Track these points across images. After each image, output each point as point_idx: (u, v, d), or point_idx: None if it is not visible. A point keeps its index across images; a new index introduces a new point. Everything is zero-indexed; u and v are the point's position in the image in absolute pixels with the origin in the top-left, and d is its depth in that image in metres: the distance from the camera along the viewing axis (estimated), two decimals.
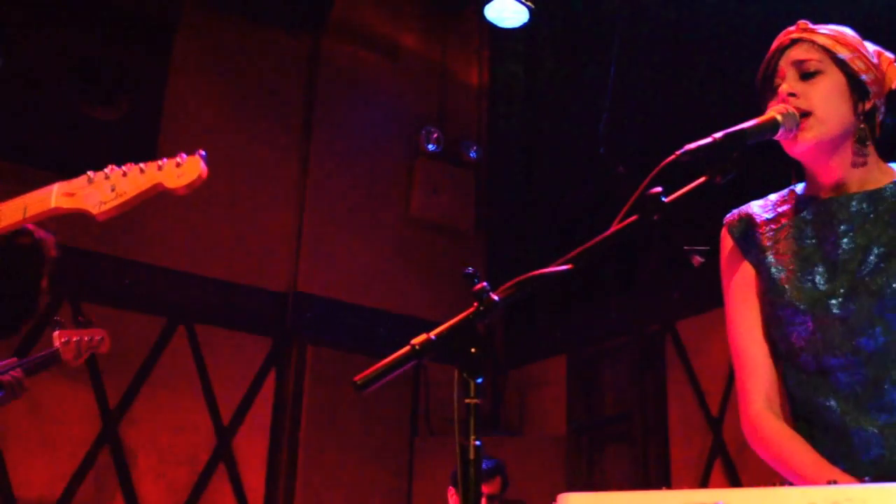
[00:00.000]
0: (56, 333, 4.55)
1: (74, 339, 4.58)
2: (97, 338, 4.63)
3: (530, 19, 6.88)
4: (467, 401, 1.71)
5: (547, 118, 7.63)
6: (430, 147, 7.61)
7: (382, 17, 7.68)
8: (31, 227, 3.42)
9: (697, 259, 6.80)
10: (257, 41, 7.18)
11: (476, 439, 1.68)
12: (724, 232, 2.38)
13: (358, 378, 1.71)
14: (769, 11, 5.15)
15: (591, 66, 6.98)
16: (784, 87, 2.20)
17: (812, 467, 2.07)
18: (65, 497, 5.98)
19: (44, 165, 5.48)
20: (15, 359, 4.50)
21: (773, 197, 2.37)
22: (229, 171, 6.46)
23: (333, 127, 7.39)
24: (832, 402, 2.14)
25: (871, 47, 2.27)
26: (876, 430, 2.08)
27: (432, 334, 1.73)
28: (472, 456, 1.67)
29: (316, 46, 7.45)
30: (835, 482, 1.98)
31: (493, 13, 6.86)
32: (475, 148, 7.82)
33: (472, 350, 1.72)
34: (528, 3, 6.84)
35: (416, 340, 1.73)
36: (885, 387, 2.09)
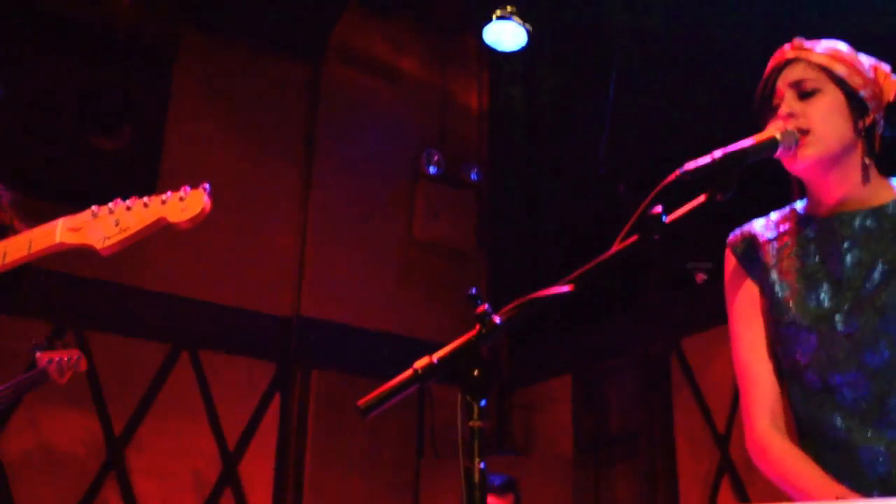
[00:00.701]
0: (39, 355, 4.67)
1: (56, 358, 4.68)
2: (75, 357, 4.71)
3: (529, 42, 6.90)
4: (471, 423, 1.71)
5: (547, 139, 7.65)
6: (431, 169, 7.63)
7: (382, 42, 7.72)
8: None
9: (701, 276, 6.81)
10: (257, 67, 7.20)
11: (481, 462, 1.68)
12: (727, 252, 2.38)
13: (361, 402, 1.71)
14: (766, 30, 5.18)
15: (590, 87, 7.00)
16: (783, 108, 2.20)
17: (817, 486, 2.06)
18: None
19: (46, 196, 5.48)
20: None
21: (774, 215, 2.37)
22: (231, 196, 6.47)
23: (334, 151, 7.41)
24: (838, 420, 2.13)
25: (866, 61, 2.27)
26: (883, 447, 2.07)
27: (434, 357, 1.73)
28: (476, 479, 1.67)
29: (316, 72, 7.48)
30: (840, 498, 1.97)
31: (491, 36, 6.89)
32: (476, 170, 7.84)
33: (476, 372, 1.72)
34: (527, 26, 6.86)
35: (419, 364, 1.73)
36: (891, 402, 2.08)
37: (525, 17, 6.85)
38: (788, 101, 2.21)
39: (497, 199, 7.90)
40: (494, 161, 7.98)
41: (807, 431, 2.21)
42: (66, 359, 4.71)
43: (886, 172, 2.29)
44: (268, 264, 6.99)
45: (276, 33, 7.17)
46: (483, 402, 1.71)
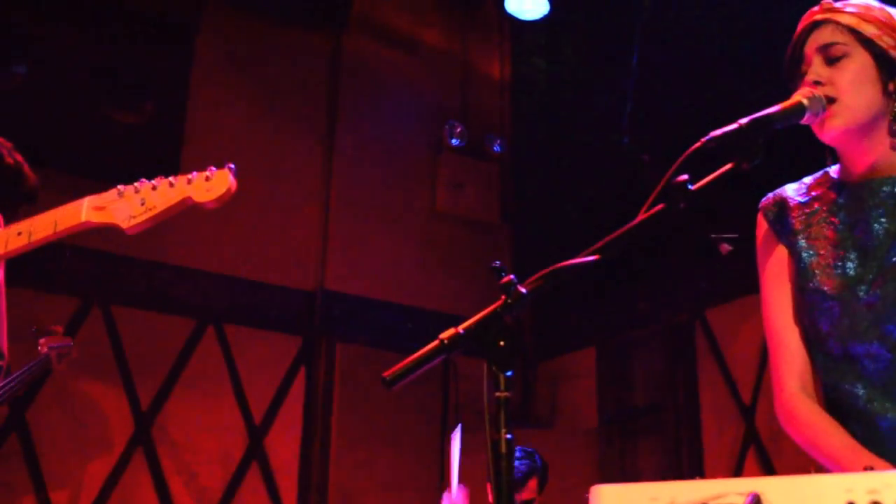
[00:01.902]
0: (42, 340, 4.69)
1: (55, 345, 4.71)
2: (67, 344, 4.73)
3: (551, 10, 6.87)
4: (497, 394, 1.71)
5: (570, 109, 7.61)
6: (454, 141, 7.61)
7: (403, 13, 7.70)
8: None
9: (725, 247, 6.76)
10: (279, 41, 7.20)
11: (507, 432, 1.68)
12: (759, 216, 2.36)
13: (387, 374, 1.71)
14: None
15: (613, 55, 6.96)
16: (809, 76, 2.17)
17: (846, 451, 2.06)
18: (100, 498, 6.04)
19: (69, 170, 5.53)
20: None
21: (807, 180, 2.34)
22: (254, 171, 6.48)
23: (357, 124, 7.41)
24: (859, 389, 2.12)
25: None
26: None
27: (460, 328, 1.72)
28: (503, 450, 1.68)
29: (337, 45, 7.47)
30: (871, 468, 1.97)
31: (513, 5, 6.86)
32: (499, 141, 7.83)
33: (501, 343, 1.71)
34: None
35: (445, 335, 1.72)
36: None
37: None
38: (815, 68, 2.18)
39: (520, 170, 7.88)
40: (517, 132, 7.96)
41: (830, 399, 2.20)
42: (61, 346, 4.76)
43: None
44: (291, 238, 7.01)
45: (298, 5, 7.17)
46: (509, 373, 1.70)
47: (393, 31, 7.67)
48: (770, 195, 2.36)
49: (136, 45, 6.23)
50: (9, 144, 3.72)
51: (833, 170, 2.30)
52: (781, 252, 2.30)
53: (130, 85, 6.22)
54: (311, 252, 7.08)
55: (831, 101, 2.14)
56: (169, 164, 6.04)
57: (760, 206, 2.36)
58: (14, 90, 5.74)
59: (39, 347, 4.68)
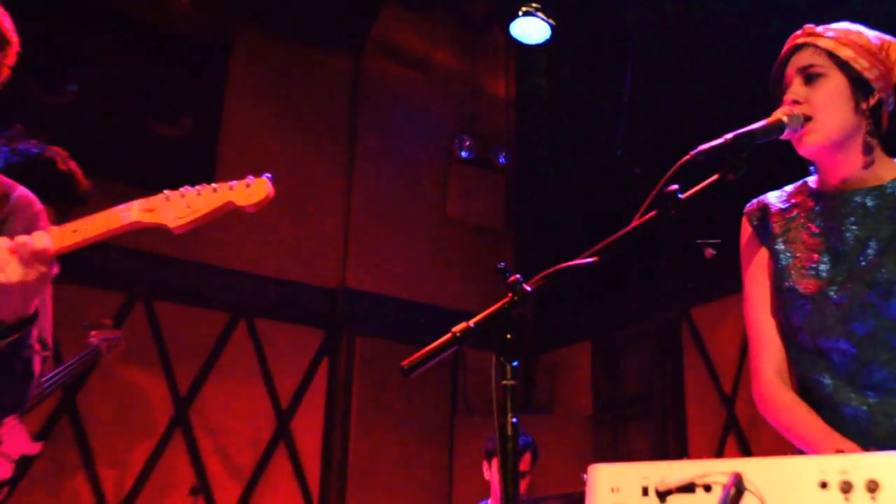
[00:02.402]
0: (93, 333, 4.69)
1: (106, 337, 4.70)
2: (118, 337, 4.73)
3: (552, 35, 6.86)
4: (504, 382, 1.72)
5: (569, 125, 7.61)
6: (464, 154, 7.62)
7: (417, 36, 7.70)
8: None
9: (710, 251, 6.76)
10: (304, 61, 7.21)
11: (513, 417, 1.69)
12: (744, 220, 2.36)
13: (405, 363, 1.72)
14: (777, 20, 5.12)
15: (608, 76, 6.96)
16: (788, 94, 2.17)
17: (819, 435, 2.06)
18: (142, 475, 6.05)
19: (116, 177, 5.54)
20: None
21: (788, 188, 2.34)
22: (282, 179, 6.44)
23: (375, 137, 7.42)
24: (826, 379, 2.12)
25: (878, 41, 2.20)
26: (865, 407, 2.07)
27: (471, 322, 1.73)
28: (509, 432, 1.69)
29: (358, 64, 7.48)
30: (842, 451, 1.97)
31: (518, 30, 6.85)
32: (504, 154, 7.83)
33: (508, 336, 1.73)
34: (550, 21, 6.82)
35: (457, 328, 1.73)
36: (873, 368, 2.07)
37: (549, 12, 6.81)
38: (794, 88, 2.18)
39: (524, 180, 7.88)
40: (521, 146, 7.96)
41: (801, 387, 2.20)
42: (112, 337, 4.76)
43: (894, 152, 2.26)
44: (315, 241, 7.02)
45: (322, 28, 7.17)
46: (515, 363, 1.72)
47: (408, 54, 7.67)
48: (754, 201, 2.36)
49: (175, 65, 6.25)
50: (63, 153, 3.73)
51: (811, 180, 2.30)
52: (763, 253, 2.30)
53: (171, 101, 6.24)
54: (333, 253, 7.09)
55: (808, 119, 2.14)
56: (205, 173, 6.05)
57: (745, 210, 2.36)
58: (67, 106, 5.77)
59: (90, 339, 4.68)
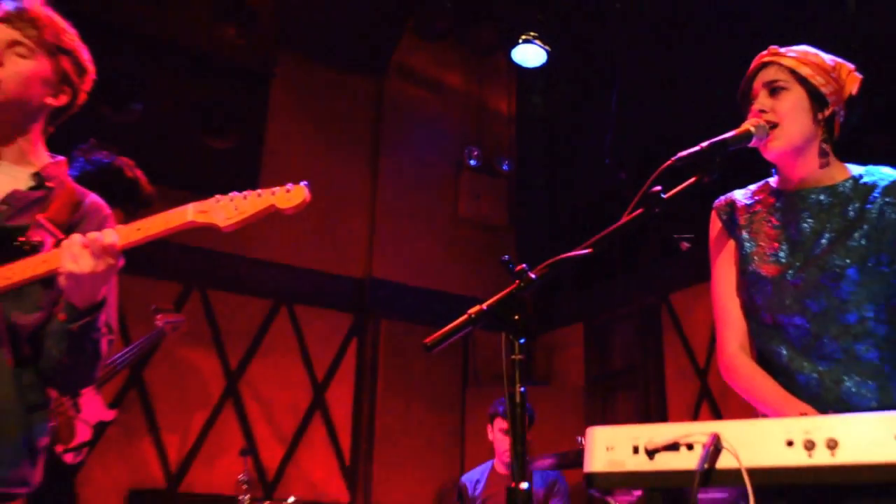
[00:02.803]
0: (159, 317, 4.68)
1: (170, 320, 4.69)
2: (181, 320, 4.71)
3: (548, 60, 6.85)
4: (513, 357, 1.72)
5: (563, 137, 7.60)
6: (472, 162, 7.62)
7: (431, 62, 7.70)
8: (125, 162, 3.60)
9: (684, 244, 6.72)
10: (335, 83, 7.22)
11: (521, 387, 1.69)
12: (713, 214, 2.36)
13: (427, 341, 1.72)
14: (743, 45, 5.09)
15: (597, 94, 6.95)
16: (756, 105, 2.18)
17: (783, 401, 2.07)
18: (199, 438, 6.09)
19: (173, 185, 5.53)
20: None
21: (752, 187, 2.35)
22: (316, 184, 6.44)
23: (396, 148, 7.42)
24: (783, 350, 2.12)
25: (831, 61, 2.22)
26: (815, 375, 2.06)
27: (484, 305, 1.74)
28: (518, 400, 1.69)
29: (380, 86, 7.48)
30: (805, 414, 1.96)
31: (518, 56, 6.84)
32: (507, 162, 7.83)
33: (516, 317, 1.73)
34: (546, 47, 6.80)
35: (473, 310, 1.73)
36: (824, 341, 2.07)
37: (545, 40, 6.80)
38: (761, 99, 2.18)
39: (524, 185, 7.87)
40: (521, 155, 7.95)
41: (761, 358, 2.20)
42: (175, 320, 4.75)
43: (847, 158, 2.26)
44: (346, 238, 7.03)
45: (350, 55, 7.18)
46: (522, 340, 1.72)
47: (423, 77, 7.67)
48: (722, 198, 2.37)
49: (225, 88, 6.25)
50: (130, 162, 3.74)
51: (772, 180, 2.31)
52: (730, 243, 2.30)
53: (220, 118, 6.24)
54: (360, 248, 7.10)
55: (773, 126, 2.14)
56: (250, 180, 6.06)
57: (714, 205, 2.37)
58: (133, 123, 5.77)
59: (156, 322, 4.68)
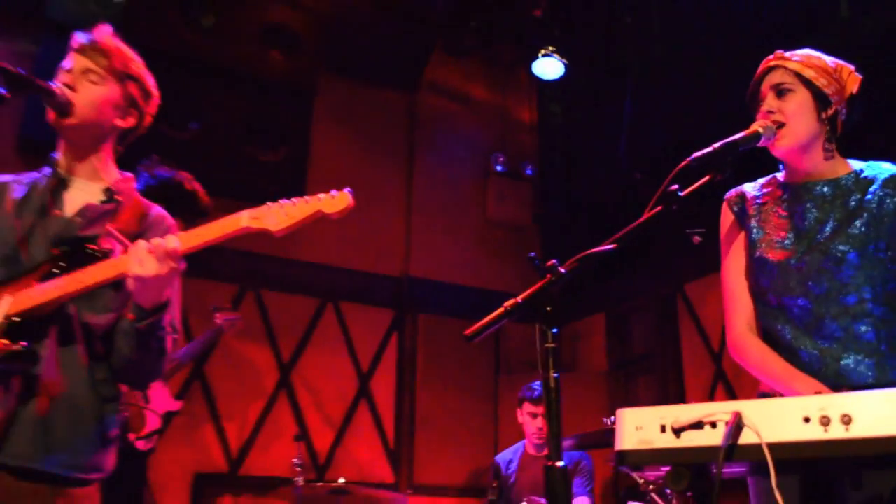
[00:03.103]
0: (217, 315, 4.72)
1: (227, 318, 4.72)
2: (237, 318, 4.74)
3: (566, 72, 6.82)
4: (546, 346, 1.72)
5: (581, 142, 7.55)
6: (498, 168, 7.61)
7: (459, 76, 7.69)
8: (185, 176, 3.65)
9: (696, 238, 6.69)
10: (372, 99, 7.23)
11: (554, 373, 1.69)
12: (725, 205, 2.38)
13: (467, 332, 1.73)
14: (745, 53, 5.04)
15: (611, 102, 6.89)
16: (764, 107, 2.17)
17: (785, 373, 2.07)
18: (256, 425, 6.14)
19: (228, 196, 5.56)
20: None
21: (761, 180, 2.36)
22: (356, 192, 6.47)
23: (428, 157, 7.42)
24: (787, 329, 2.12)
25: (832, 63, 2.21)
26: (817, 352, 2.06)
27: (519, 298, 1.74)
28: (552, 385, 1.69)
29: (413, 100, 7.49)
30: (819, 392, 1.94)
31: (538, 69, 6.81)
32: (530, 166, 7.80)
33: (548, 309, 1.73)
34: (564, 60, 6.78)
35: (508, 303, 1.74)
36: (826, 321, 2.06)
37: (562, 54, 6.77)
38: (769, 101, 2.18)
39: (546, 187, 7.84)
40: (543, 160, 7.92)
41: (764, 337, 2.19)
42: (232, 318, 4.79)
43: (847, 154, 2.26)
44: (385, 240, 7.04)
45: (385, 73, 7.20)
46: (555, 330, 1.71)
47: (452, 90, 7.67)
48: (733, 190, 2.37)
49: (272, 105, 6.31)
50: (189, 176, 3.79)
51: (780, 174, 2.31)
52: (740, 232, 2.31)
53: (270, 134, 6.29)
54: (398, 249, 7.11)
55: (781, 125, 2.13)
56: (297, 189, 6.10)
57: (726, 197, 2.38)
58: (191, 139, 5.84)
59: (215, 320, 4.71)
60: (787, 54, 2.20)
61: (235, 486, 5.92)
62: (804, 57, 2.19)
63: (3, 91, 2.09)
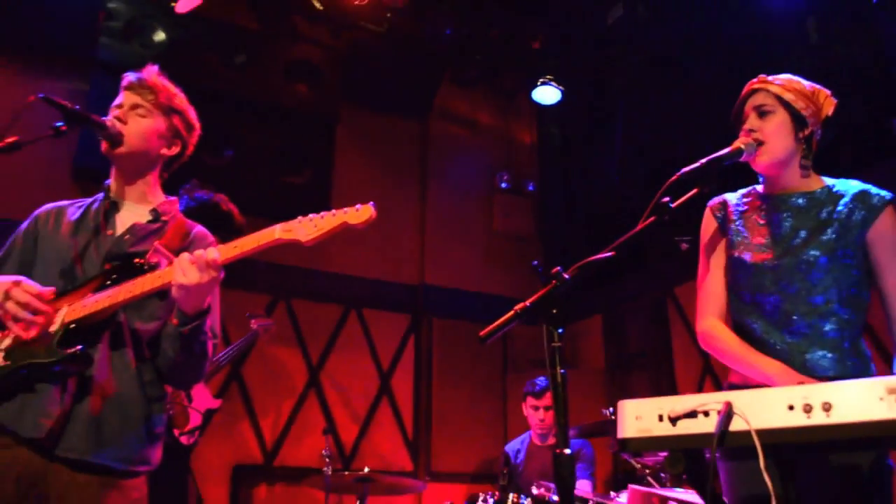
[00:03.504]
0: (253, 321, 4.71)
1: (263, 323, 4.71)
2: (271, 323, 4.74)
3: (563, 98, 6.84)
4: (553, 345, 1.72)
5: (578, 161, 7.55)
6: (503, 185, 7.61)
7: (466, 104, 7.72)
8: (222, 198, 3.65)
9: (684, 245, 6.61)
10: (387, 126, 7.26)
11: (561, 369, 1.69)
12: (708, 212, 2.38)
13: (482, 333, 1.73)
14: (727, 81, 5.05)
15: (605, 125, 6.90)
16: (746, 126, 2.18)
17: (746, 355, 2.08)
18: (289, 421, 6.13)
19: (259, 215, 5.59)
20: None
21: (741, 192, 2.38)
22: (375, 209, 6.49)
23: (439, 177, 7.44)
24: (758, 324, 2.13)
25: (810, 87, 2.22)
26: (785, 346, 2.07)
27: (528, 302, 1.74)
28: (559, 380, 1.68)
29: (425, 126, 7.52)
30: (802, 382, 1.93)
31: (538, 95, 6.84)
32: (532, 184, 7.80)
33: (554, 311, 1.73)
34: (561, 87, 6.80)
35: (518, 307, 1.74)
36: (794, 318, 2.07)
37: (560, 82, 6.79)
38: (751, 121, 2.19)
39: (546, 202, 7.84)
40: (543, 178, 7.92)
41: (737, 331, 2.20)
42: (266, 324, 4.78)
43: (820, 171, 2.27)
44: (402, 252, 7.05)
45: (399, 101, 7.23)
46: (560, 330, 1.71)
47: (460, 116, 7.69)
48: (715, 199, 2.38)
49: (299, 132, 6.34)
50: (225, 198, 3.82)
51: (759, 187, 2.33)
52: (718, 236, 2.32)
53: (296, 159, 6.32)
54: (414, 260, 7.11)
55: (761, 143, 2.14)
56: (322, 208, 6.07)
57: (709, 204, 2.39)
58: (226, 165, 5.88)
59: (251, 325, 4.72)
60: (770, 78, 2.22)
61: (270, 476, 5.91)
62: (785, 81, 2.20)
63: (62, 125, 2.13)
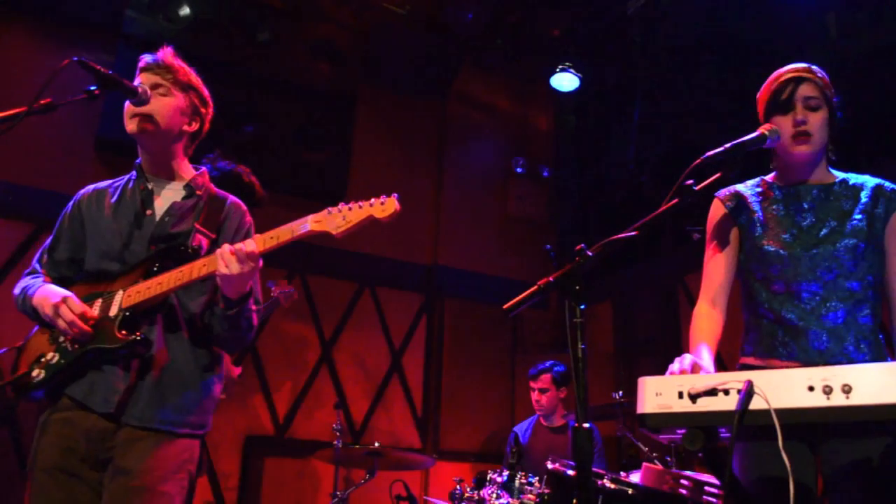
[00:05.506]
0: (274, 289, 4.72)
1: (283, 290, 4.72)
2: (292, 290, 4.75)
3: (580, 84, 6.80)
4: (574, 320, 1.72)
5: (593, 147, 7.52)
6: (519, 170, 7.58)
7: (485, 88, 7.68)
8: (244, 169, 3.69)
9: (696, 235, 6.58)
10: (407, 106, 7.23)
11: (581, 344, 1.69)
12: (716, 202, 2.37)
13: (506, 306, 1.74)
14: (739, 69, 5.00)
15: (621, 111, 6.86)
16: (798, 115, 2.15)
17: (693, 344, 2.15)
18: (301, 395, 6.17)
19: (279, 190, 5.63)
20: None
21: (750, 182, 2.38)
22: (392, 190, 6.48)
23: (456, 160, 7.42)
24: (795, 313, 2.11)
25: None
26: (823, 333, 2.06)
27: (551, 278, 1.74)
28: (580, 355, 1.69)
29: (443, 108, 7.49)
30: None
31: (555, 82, 6.80)
32: (547, 169, 7.77)
33: (577, 287, 1.73)
34: (579, 74, 6.75)
35: (541, 282, 1.74)
36: (831, 304, 2.07)
37: (577, 68, 6.75)
38: (801, 111, 2.16)
39: (561, 187, 7.82)
40: (559, 163, 7.89)
41: (773, 318, 2.17)
42: (287, 291, 4.79)
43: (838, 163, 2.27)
44: (416, 232, 7.04)
45: (419, 83, 7.20)
46: (583, 306, 1.72)
47: (478, 100, 7.66)
48: (726, 190, 2.37)
49: (319, 111, 6.33)
50: (247, 169, 3.83)
51: (769, 177, 2.32)
52: (729, 226, 2.31)
53: (316, 136, 6.32)
54: (428, 240, 7.12)
55: (808, 134, 2.14)
56: (340, 185, 6.12)
57: (717, 195, 2.38)
58: (246, 142, 5.88)
59: (272, 293, 4.74)
60: (814, 69, 2.20)
61: (281, 448, 5.97)
62: (825, 76, 2.21)
63: (94, 88, 2.16)
